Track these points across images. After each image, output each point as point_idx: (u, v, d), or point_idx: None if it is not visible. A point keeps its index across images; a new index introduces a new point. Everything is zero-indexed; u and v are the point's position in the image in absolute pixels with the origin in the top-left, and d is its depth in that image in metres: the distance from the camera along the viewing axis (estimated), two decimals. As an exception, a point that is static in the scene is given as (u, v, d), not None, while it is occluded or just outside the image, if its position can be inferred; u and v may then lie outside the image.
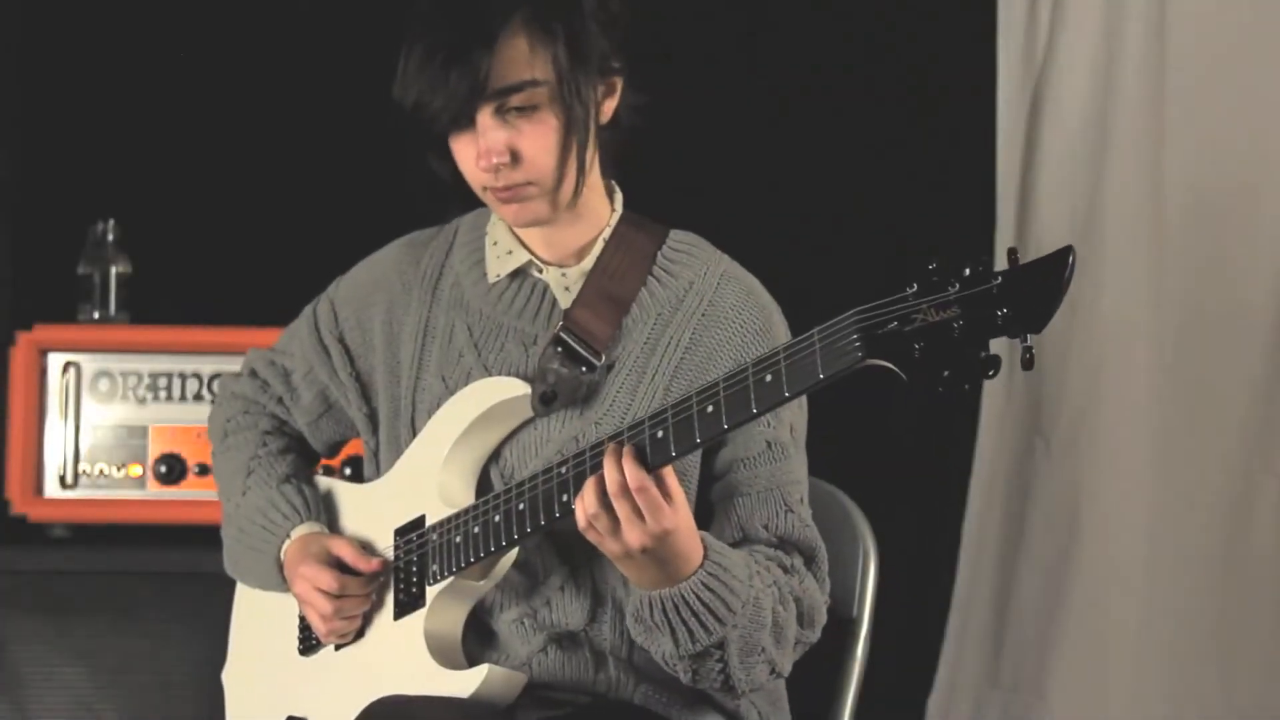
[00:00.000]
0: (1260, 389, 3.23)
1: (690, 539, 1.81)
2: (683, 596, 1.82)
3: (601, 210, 2.04)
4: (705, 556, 1.83)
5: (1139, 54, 3.24)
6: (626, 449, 1.77)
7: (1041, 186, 3.32)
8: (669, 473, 1.79)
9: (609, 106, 1.97)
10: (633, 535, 1.76)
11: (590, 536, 1.80)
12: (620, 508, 1.77)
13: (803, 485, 2.02)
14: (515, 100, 1.89)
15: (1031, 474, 3.32)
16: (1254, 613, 3.23)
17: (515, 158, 1.91)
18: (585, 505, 1.78)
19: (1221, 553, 3.24)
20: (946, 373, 1.60)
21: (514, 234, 2.05)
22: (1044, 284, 1.56)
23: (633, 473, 1.76)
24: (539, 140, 1.91)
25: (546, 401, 1.95)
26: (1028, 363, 1.57)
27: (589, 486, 1.78)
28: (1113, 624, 3.23)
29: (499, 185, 1.92)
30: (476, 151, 1.91)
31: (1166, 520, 3.24)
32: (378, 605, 2.02)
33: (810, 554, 1.99)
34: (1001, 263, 1.59)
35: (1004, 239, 3.31)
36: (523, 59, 1.88)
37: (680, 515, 1.79)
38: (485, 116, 1.89)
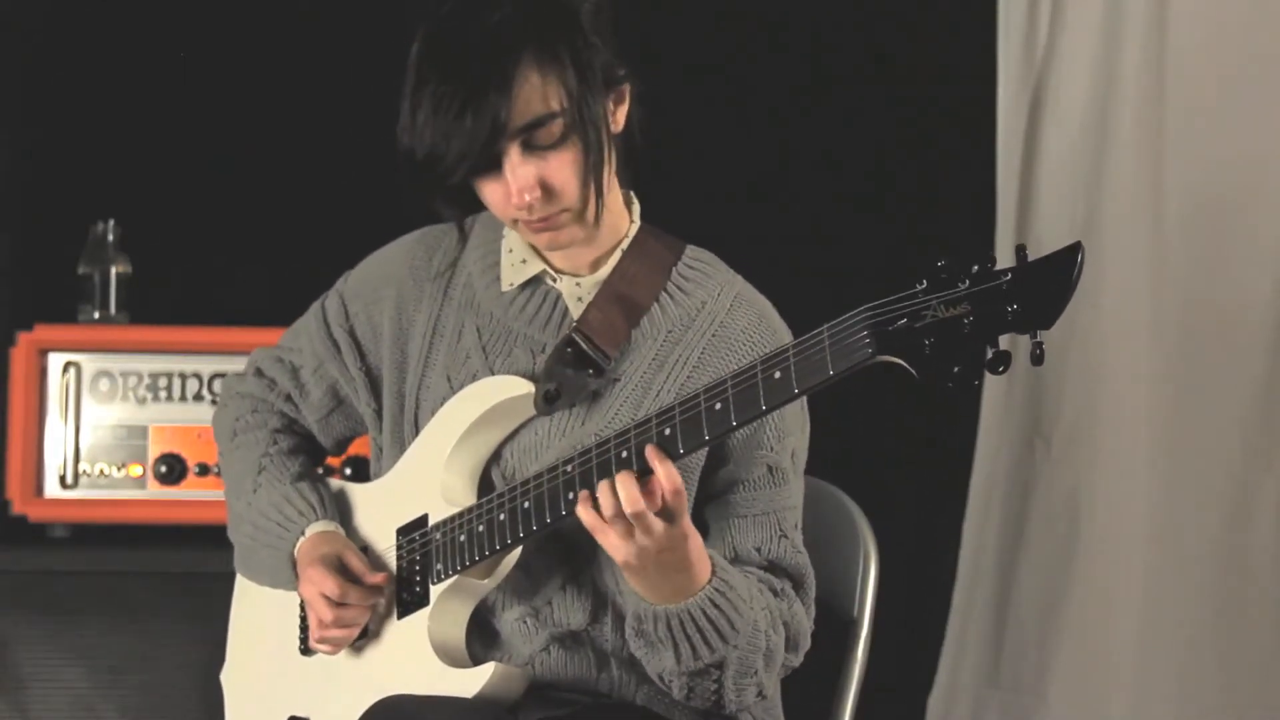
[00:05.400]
0: (1260, 389, 3.23)
1: (699, 552, 1.82)
2: (689, 613, 1.83)
3: (620, 222, 2.02)
4: (713, 573, 1.84)
5: (1139, 54, 3.24)
6: (624, 475, 1.77)
7: (1041, 186, 3.32)
8: (676, 494, 1.78)
9: (621, 114, 1.95)
10: (646, 541, 1.77)
11: (602, 540, 1.80)
12: (618, 526, 1.77)
13: (798, 511, 2.02)
14: (539, 134, 1.86)
15: (1031, 474, 3.32)
16: (1254, 613, 3.23)
17: (546, 190, 1.88)
18: (585, 518, 1.79)
19: (1222, 553, 3.24)
20: (957, 369, 1.60)
21: (529, 243, 2.04)
22: (1054, 280, 1.56)
23: (628, 494, 1.76)
24: (566, 169, 1.88)
25: (549, 400, 1.94)
26: (1038, 358, 1.57)
27: (602, 493, 1.78)
28: (1113, 624, 3.23)
29: (533, 218, 1.90)
30: (506, 191, 1.88)
31: (1166, 520, 3.24)
32: (380, 606, 2.02)
33: (799, 580, 2.00)
34: (1005, 261, 1.60)
35: (1005, 238, 3.31)
36: (537, 93, 1.85)
37: (687, 526, 1.79)
38: (513, 155, 1.86)
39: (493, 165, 1.87)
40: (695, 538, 1.81)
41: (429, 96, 1.85)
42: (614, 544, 1.79)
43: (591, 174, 1.90)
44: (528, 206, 1.88)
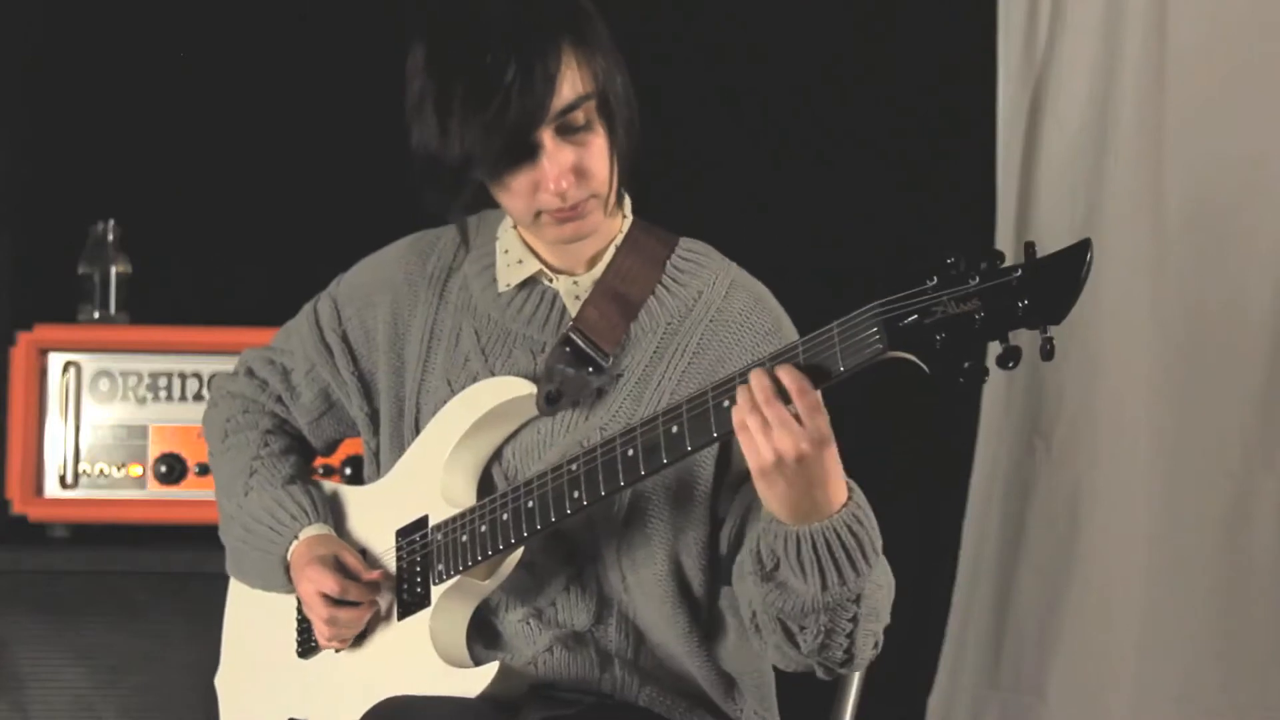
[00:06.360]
0: (1260, 389, 3.23)
1: (836, 466, 1.74)
2: (834, 531, 1.74)
3: (613, 218, 2.02)
4: (849, 497, 1.77)
5: (1139, 54, 3.24)
6: (785, 365, 1.70)
7: (1041, 186, 3.32)
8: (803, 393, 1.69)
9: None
10: (786, 440, 1.68)
11: (741, 438, 1.72)
12: (771, 412, 1.69)
13: None
14: (574, 116, 1.86)
15: (1031, 474, 3.32)
16: (1254, 613, 3.23)
17: (579, 174, 1.88)
18: (735, 413, 1.71)
19: (1221, 553, 3.24)
20: (967, 364, 1.61)
21: (524, 243, 2.04)
22: (1063, 276, 1.58)
23: (792, 378, 1.69)
24: (597, 152, 1.89)
25: (551, 401, 1.94)
26: (1048, 353, 1.59)
27: (741, 394, 1.71)
28: (1113, 624, 3.23)
29: (566, 206, 1.90)
30: (540, 179, 1.87)
31: (1167, 520, 3.24)
32: (381, 607, 2.01)
33: None
34: (1010, 259, 1.61)
35: (1004, 239, 3.31)
36: (574, 76, 1.86)
37: (825, 428, 1.70)
38: (549, 142, 1.86)
39: (528, 155, 1.87)
40: (834, 449, 1.72)
41: (460, 98, 1.84)
42: (748, 442, 1.71)
43: (615, 158, 1.91)
44: (563, 193, 1.88)
